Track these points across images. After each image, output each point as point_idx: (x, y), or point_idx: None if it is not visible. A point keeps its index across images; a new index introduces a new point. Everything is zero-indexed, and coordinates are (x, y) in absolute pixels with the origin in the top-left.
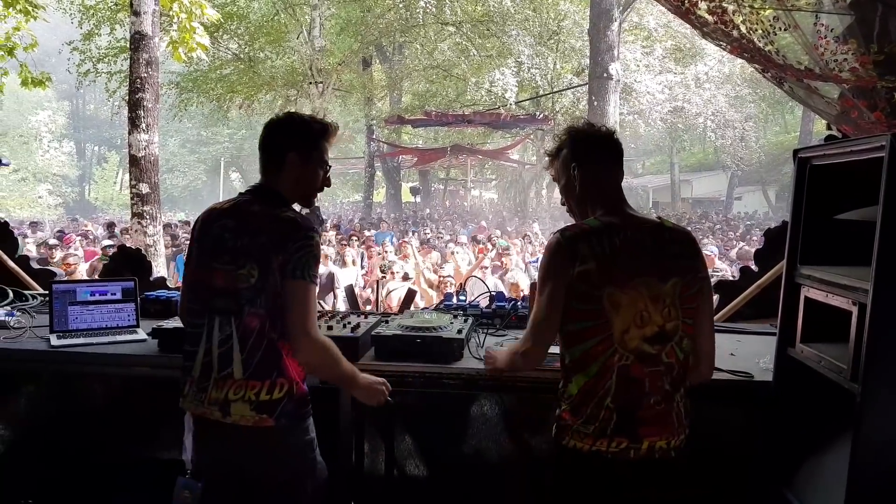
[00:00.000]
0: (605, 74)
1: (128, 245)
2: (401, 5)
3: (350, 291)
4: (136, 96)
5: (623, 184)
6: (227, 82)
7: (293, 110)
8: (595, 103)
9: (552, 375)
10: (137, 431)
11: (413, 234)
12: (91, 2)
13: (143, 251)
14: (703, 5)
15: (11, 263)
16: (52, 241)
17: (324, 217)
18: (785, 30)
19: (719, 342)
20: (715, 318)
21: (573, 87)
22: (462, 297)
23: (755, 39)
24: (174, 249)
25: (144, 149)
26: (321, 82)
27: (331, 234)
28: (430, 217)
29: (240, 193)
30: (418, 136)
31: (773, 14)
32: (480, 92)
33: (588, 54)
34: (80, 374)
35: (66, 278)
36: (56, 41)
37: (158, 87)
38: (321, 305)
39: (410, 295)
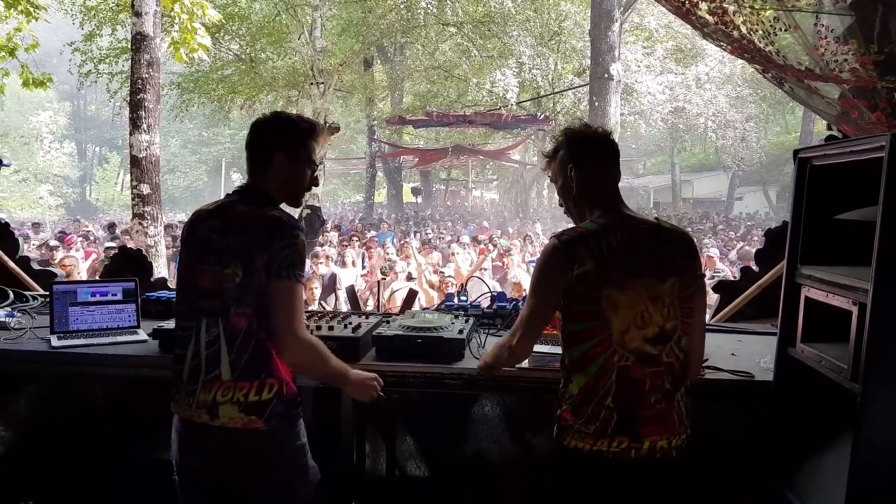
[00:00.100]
0: (606, 75)
1: (129, 246)
2: (402, 6)
3: (351, 292)
4: (138, 97)
5: (624, 184)
6: (228, 83)
7: (283, 110)
8: (596, 104)
9: (553, 376)
10: (138, 432)
11: (414, 235)
12: (92, 2)
13: (144, 252)
14: (703, 6)
15: (12, 264)
16: (53, 242)
17: (325, 217)
18: (785, 30)
19: (720, 342)
20: (716, 318)
21: (574, 88)
22: (463, 298)
23: (756, 40)
24: (175, 250)
25: (146, 149)
26: (322, 83)
27: (332, 235)
28: (432, 217)
29: (227, 194)
30: (419, 136)
31: (774, 15)
32: (482, 92)
33: (589, 55)
34: (81, 375)
35: (66, 279)
36: (57, 42)
37: (160, 88)
38: (322, 306)
39: (411, 295)
